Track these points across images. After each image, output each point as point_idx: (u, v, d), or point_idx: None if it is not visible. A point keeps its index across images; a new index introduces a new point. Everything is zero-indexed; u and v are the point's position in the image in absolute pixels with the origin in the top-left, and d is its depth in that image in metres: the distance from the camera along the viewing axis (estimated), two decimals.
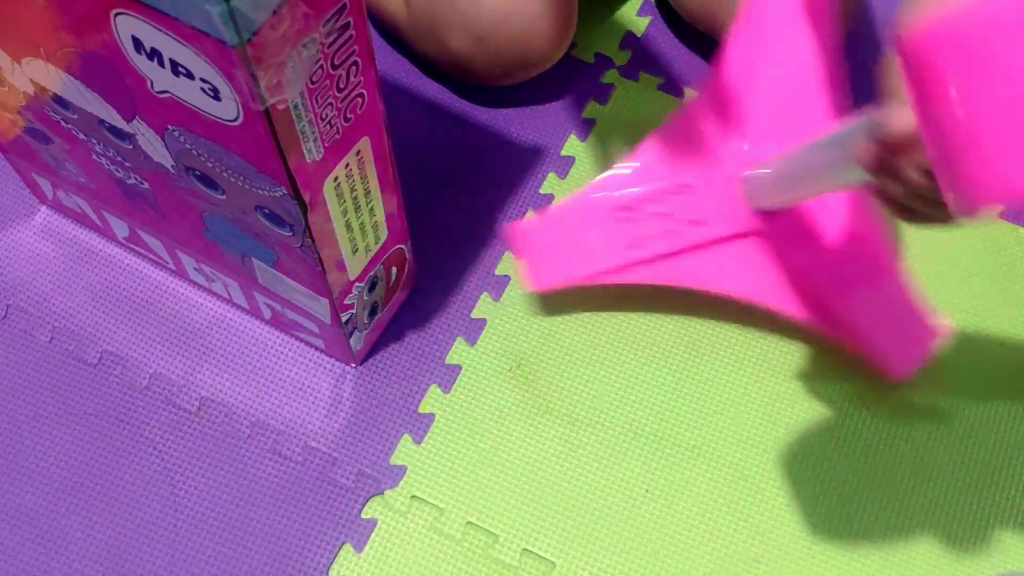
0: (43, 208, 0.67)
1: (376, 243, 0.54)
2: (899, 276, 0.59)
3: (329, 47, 0.39)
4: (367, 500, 0.58)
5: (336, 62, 0.40)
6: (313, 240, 0.47)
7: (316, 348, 0.62)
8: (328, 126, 0.42)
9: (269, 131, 0.39)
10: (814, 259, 0.58)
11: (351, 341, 0.58)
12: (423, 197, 0.68)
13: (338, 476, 0.59)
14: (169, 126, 0.43)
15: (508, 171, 0.70)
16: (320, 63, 0.39)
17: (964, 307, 0.65)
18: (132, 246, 0.64)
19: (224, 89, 0.37)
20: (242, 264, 0.55)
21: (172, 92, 0.40)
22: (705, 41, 0.74)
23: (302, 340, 0.62)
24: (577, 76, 0.74)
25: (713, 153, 0.60)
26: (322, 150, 0.43)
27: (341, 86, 0.41)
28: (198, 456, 0.59)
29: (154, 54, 0.38)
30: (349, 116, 0.43)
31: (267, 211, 0.46)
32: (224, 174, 0.45)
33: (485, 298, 0.65)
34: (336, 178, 0.46)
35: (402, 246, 0.58)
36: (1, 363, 0.62)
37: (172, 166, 0.47)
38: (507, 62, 0.67)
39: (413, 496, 0.58)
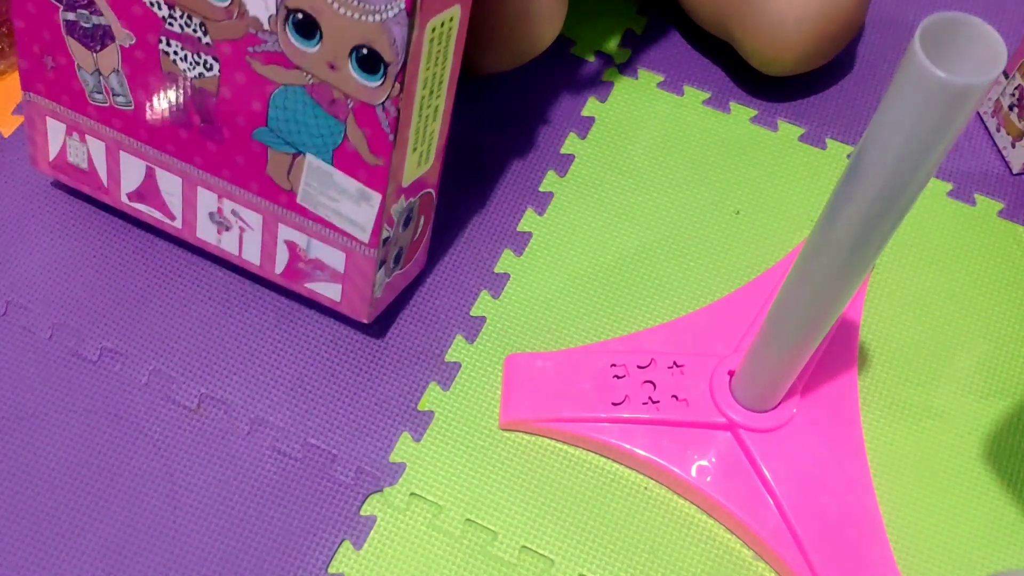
0: (43, 206, 0.67)
1: (428, 159, 0.55)
2: (882, 537, 0.56)
3: None
4: (366, 497, 0.58)
5: None
6: (403, 86, 0.48)
7: (332, 297, 0.61)
8: None
9: None
10: (789, 477, 0.56)
11: (376, 277, 0.58)
12: None
13: (337, 473, 0.59)
14: None
15: (507, 169, 0.70)
16: None
17: (962, 303, 0.65)
18: (138, 204, 0.63)
19: None
20: (287, 174, 0.55)
21: None
22: (705, 40, 0.74)
23: (315, 295, 0.61)
24: (577, 73, 0.74)
25: (713, 346, 0.61)
26: None
27: None
28: (197, 453, 0.59)
29: None
30: None
31: (365, 52, 0.47)
32: (333, 3, 0.46)
33: (484, 296, 0.65)
34: (434, 28, 0.48)
35: (433, 191, 0.59)
36: (1, 360, 0.62)
37: (270, 17, 0.49)
38: (500, 47, 0.66)
39: (412, 493, 0.58)
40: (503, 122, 0.72)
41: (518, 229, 0.68)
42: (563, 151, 0.71)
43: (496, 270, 0.66)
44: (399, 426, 0.60)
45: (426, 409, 0.61)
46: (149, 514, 0.57)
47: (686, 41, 0.76)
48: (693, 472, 0.57)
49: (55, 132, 0.63)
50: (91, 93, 0.58)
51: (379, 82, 0.49)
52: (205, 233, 0.62)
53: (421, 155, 0.55)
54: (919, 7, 0.78)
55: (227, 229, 0.60)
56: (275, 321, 0.63)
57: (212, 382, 0.61)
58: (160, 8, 0.52)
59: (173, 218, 0.62)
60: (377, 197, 0.54)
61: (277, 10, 0.48)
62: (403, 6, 0.46)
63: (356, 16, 0.47)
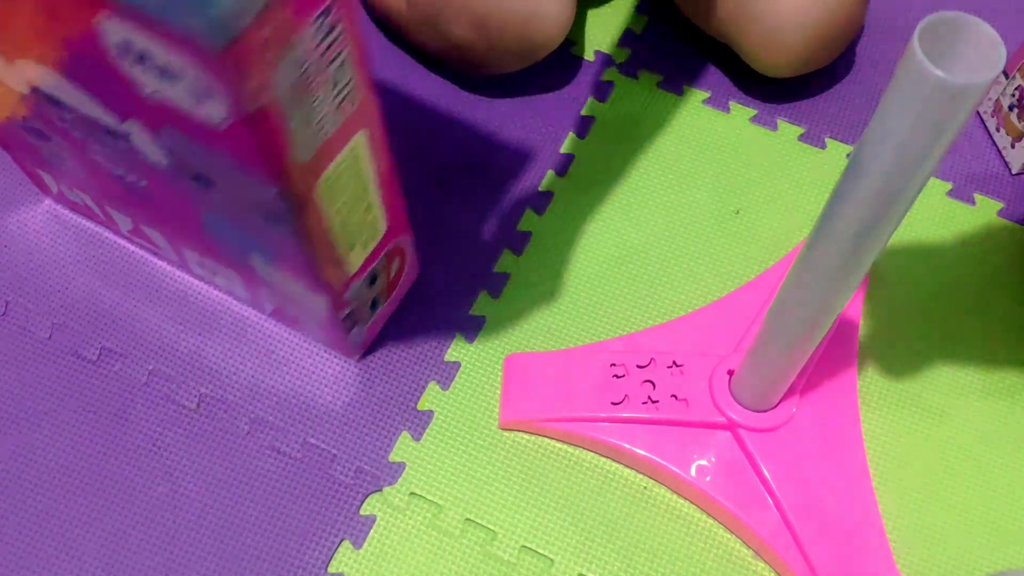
0: (44, 204, 0.67)
1: (374, 238, 0.54)
2: (882, 537, 0.55)
3: (318, 46, 0.39)
4: (366, 497, 0.58)
5: (327, 60, 0.40)
6: (309, 238, 0.47)
7: (318, 341, 0.62)
8: (320, 125, 0.42)
9: (258, 133, 0.39)
10: (789, 477, 0.56)
11: (351, 335, 0.58)
12: (421, 194, 0.68)
13: (337, 473, 0.59)
14: (161, 127, 0.43)
15: (507, 168, 0.70)
16: (310, 62, 0.39)
17: (964, 302, 0.65)
18: (136, 239, 0.64)
19: (211, 92, 0.38)
20: (243, 259, 0.55)
21: (162, 94, 0.40)
22: (704, 39, 0.74)
23: (304, 334, 0.62)
24: (576, 73, 0.74)
25: (713, 345, 0.61)
26: (314, 150, 0.43)
27: (333, 84, 0.41)
28: (197, 452, 0.59)
29: (142, 58, 0.38)
30: (342, 113, 0.43)
31: (262, 210, 0.46)
32: (217, 174, 0.45)
33: (484, 295, 0.65)
34: (329, 177, 0.46)
35: (403, 238, 0.58)
36: (1, 360, 0.62)
37: (167, 166, 0.47)
38: (509, 47, 0.66)
39: (412, 493, 0.58)
40: (503, 122, 0.72)
41: (518, 229, 0.68)
42: (563, 151, 0.71)
43: (496, 270, 0.66)
44: (399, 425, 0.60)
45: (426, 409, 0.61)
46: (148, 513, 0.58)
47: (686, 41, 0.76)
48: (693, 472, 0.57)
49: (47, 179, 0.63)
50: (59, 165, 0.58)
51: (285, 231, 0.47)
52: (199, 272, 0.63)
53: (364, 242, 0.53)
54: (919, 7, 0.78)
55: (215, 275, 0.61)
56: (274, 320, 0.64)
57: (212, 382, 0.61)
58: (76, 133, 0.51)
59: (169, 256, 0.63)
60: (323, 297, 0.53)
61: (170, 162, 0.47)
62: (277, 192, 0.42)
63: (241, 188, 0.44)
